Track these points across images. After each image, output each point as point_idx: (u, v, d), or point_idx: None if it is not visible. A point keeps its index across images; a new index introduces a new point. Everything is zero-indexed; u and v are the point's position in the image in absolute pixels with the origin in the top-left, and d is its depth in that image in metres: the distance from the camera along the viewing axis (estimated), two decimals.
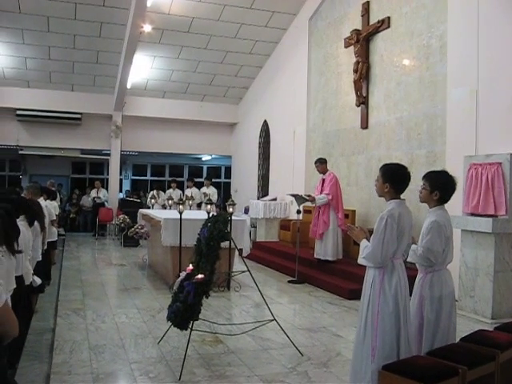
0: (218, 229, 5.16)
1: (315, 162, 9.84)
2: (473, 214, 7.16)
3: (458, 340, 4.31)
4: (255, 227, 13.86)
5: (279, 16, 13.39)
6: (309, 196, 9.63)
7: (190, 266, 5.43)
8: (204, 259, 5.10)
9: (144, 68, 15.12)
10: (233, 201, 9.30)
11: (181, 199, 8.88)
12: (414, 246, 4.16)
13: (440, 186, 4.19)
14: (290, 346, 5.42)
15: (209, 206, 8.64)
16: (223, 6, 12.70)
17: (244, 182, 17.34)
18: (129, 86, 15.45)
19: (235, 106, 17.84)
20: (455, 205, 4.32)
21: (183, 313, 4.84)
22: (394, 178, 3.98)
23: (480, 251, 6.95)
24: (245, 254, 8.44)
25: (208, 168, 23.64)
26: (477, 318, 6.84)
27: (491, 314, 6.77)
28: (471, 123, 7.86)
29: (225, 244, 5.69)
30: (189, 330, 4.94)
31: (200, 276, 4.92)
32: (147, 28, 12.65)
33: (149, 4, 11.61)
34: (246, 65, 15.48)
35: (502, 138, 7.32)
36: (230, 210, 8.73)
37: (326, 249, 9.29)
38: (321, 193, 9.46)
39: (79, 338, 5.67)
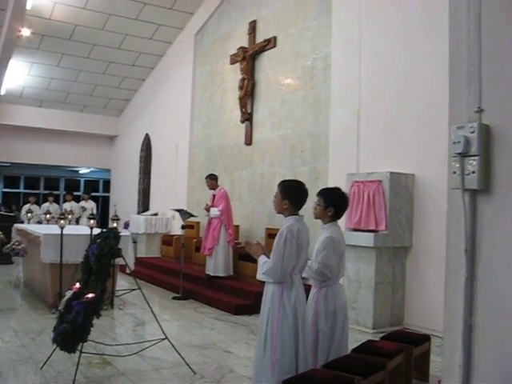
0: (109, 245, 4.95)
1: (205, 178, 9.78)
2: (355, 230, 7.48)
3: (349, 351, 4.47)
4: (136, 243, 13.52)
5: (165, 29, 13.32)
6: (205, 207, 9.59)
7: (77, 285, 5.16)
8: (94, 277, 4.87)
9: (20, 74, 14.32)
10: (117, 216, 9.05)
11: (62, 214, 8.46)
12: (308, 262, 4.24)
13: (334, 202, 4.33)
14: (182, 364, 5.29)
15: (91, 221, 8.29)
16: (108, 16, 12.41)
17: (124, 196, 16.90)
18: (2, 93, 14.56)
19: (116, 118, 17.43)
20: (338, 220, 4.48)
21: (72, 335, 4.56)
22: (293, 194, 4.03)
23: (362, 265, 7.27)
24: (130, 270, 8.18)
25: (86, 181, 22.81)
26: (359, 328, 7.11)
27: (372, 323, 7.09)
28: (353, 142, 8.23)
29: None
30: (77, 352, 4.68)
31: (90, 295, 4.68)
32: (25, 32, 12.00)
33: (28, 7, 10.98)
34: (128, 76, 15.19)
35: (382, 157, 7.75)
36: (114, 224, 8.46)
37: (216, 265, 9.24)
38: None
39: None
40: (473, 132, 2.38)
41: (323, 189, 4.55)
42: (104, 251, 4.93)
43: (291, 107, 9.84)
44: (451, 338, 2.35)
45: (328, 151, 8.85)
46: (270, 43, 10.35)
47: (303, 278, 4.16)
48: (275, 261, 3.84)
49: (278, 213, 4.14)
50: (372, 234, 7.10)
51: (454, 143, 2.40)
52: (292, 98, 9.83)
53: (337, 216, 4.39)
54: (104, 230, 5.35)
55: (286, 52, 10.02)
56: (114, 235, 5.12)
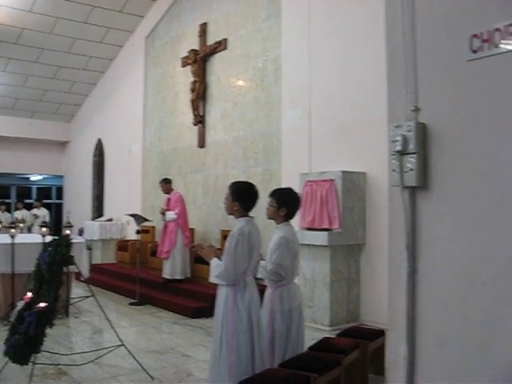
0: (60, 253, 4.88)
1: (160, 182, 9.83)
2: (309, 229, 7.56)
3: (306, 349, 4.51)
4: (90, 249, 13.31)
5: (115, 32, 13.17)
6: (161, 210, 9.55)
7: (29, 294, 5.05)
8: (46, 286, 4.78)
9: None
10: (69, 222, 8.89)
11: (13, 222, 8.27)
12: (263, 262, 4.27)
13: (287, 202, 4.38)
14: (139, 370, 5.25)
15: (44, 229, 8.12)
16: (56, 19, 12.18)
17: (77, 202, 16.64)
18: None
19: (67, 123, 17.13)
20: (292, 220, 4.53)
21: (24, 346, 4.46)
22: (243, 196, 4.06)
23: (317, 263, 7.35)
24: (84, 277, 8.07)
25: (38, 188, 22.32)
26: (316, 326, 7.19)
27: (329, 321, 7.18)
28: (305, 142, 8.32)
29: None
30: (30, 364, 4.58)
31: (42, 304, 4.60)
32: None
33: None
34: (79, 81, 14.95)
35: (334, 156, 7.85)
36: (67, 232, 8.31)
37: (174, 268, 9.22)
38: None
39: None
40: (410, 131, 2.45)
41: (275, 189, 4.60)
42: (55, 259, 4.85)
43: (243, 109, 9.87)
44: (395, 331, 2.41)
45: (281, 152, 8.92)
46: (221, 45, 10.36)
47: (258, 279, 4.19)
48: (227, 263, 3.86)
49: (229, 214, 4.17)
50: (326, 233, 7.18)
51: (393, 141, 2.48)
52: (244, 99, 9.87)
53: (289, 216, 4.44)
54: (55, 238, 5.27)
55: (237, 54, 10.05)
56: (66, 242, 5.05)
